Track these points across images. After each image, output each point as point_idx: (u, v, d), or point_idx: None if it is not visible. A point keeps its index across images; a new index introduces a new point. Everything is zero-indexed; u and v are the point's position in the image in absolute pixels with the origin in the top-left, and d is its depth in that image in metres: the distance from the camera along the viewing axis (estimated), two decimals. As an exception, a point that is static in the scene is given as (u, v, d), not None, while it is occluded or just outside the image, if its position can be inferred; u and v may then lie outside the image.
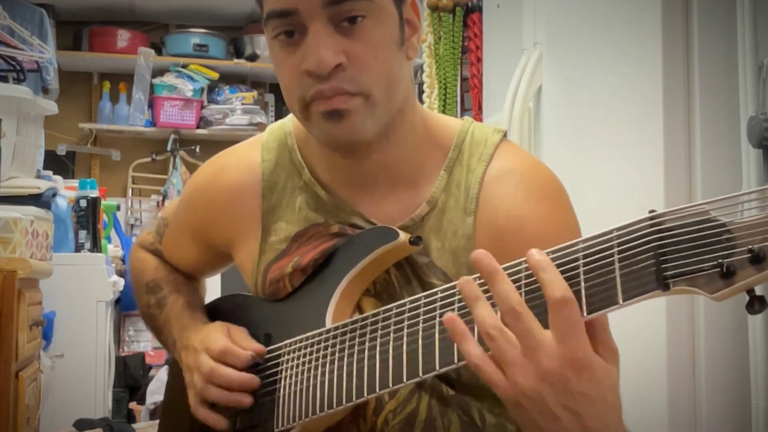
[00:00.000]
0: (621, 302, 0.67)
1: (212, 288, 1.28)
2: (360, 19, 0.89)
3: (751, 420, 1.54)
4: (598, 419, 0.69)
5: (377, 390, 0.84)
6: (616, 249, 0.68)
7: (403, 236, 0.92)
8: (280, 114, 4.58)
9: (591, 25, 1.98)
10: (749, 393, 1.54)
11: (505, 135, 1.02)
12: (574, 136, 2.04)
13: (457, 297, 0.79)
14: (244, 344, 0.98)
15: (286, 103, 0.97)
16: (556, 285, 0.67)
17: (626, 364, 1.72)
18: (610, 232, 0.69)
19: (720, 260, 0.62)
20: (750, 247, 0.61)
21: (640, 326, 1.62)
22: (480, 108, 2.67)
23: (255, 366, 0.98)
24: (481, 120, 2.62)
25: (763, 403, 1.50)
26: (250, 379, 0.96)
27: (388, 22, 0.92)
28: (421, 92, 2.98)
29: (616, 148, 1.84)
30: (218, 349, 0.97)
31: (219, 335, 1.00)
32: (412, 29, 0.97)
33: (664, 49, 1.68)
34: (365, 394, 0.86)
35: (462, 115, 2.86)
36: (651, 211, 0.68)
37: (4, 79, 2.50)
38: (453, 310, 0.79)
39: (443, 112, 2.80)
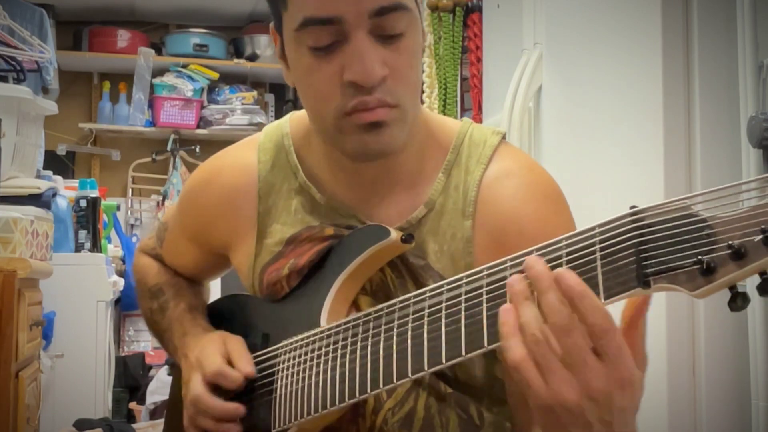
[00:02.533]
0: (603, 301, 0.66)
1: (212, 289, 1.27)
2: (399, 30, 0.88)
3: (751, 420, 1.54)
4: (625, 427, 0.68)
5: (368, 390, 0.85)
6: (598, 246, 0.68)
7: (395, 234, 0.92)
8: (280, 114, 4.58)
9: (591, 25, 1.98)
10: (749, 393, 1.54)
11: (503, 137, 1.01)
12: (574, 136, 2.04)
13: (444, 296, 0.79)
14: (238, 363, 0.97)
15: (311, 110, 0.94)
16: (599, 313, 0.65)
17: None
18: (593, 228, 0.69)
19: (700, 257, 0.61)
20: (730, 242, 0.60)
21: (640, 326, 1.61)
22: (480, 108, 2.67)
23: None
24: (481, 120, 2.62)
25: (763, 403, 1.50)
26: (235, 409, 0.96)
27: (419, 31, 0.92)
28: (421, 92, 2.98)
29: (616, 147, 1.84)
30: (211, 372, 0.97)
31: (214, 353, 0.99)
32: (423, 34, 0.97)
33: (664, 49, 1.68)
34: (357, 395, 0.86)
35: (462, 115, 2.86)
36: (632, 207, 0.67)
37: (4, 79, 2.50)
38: (440, 309, 0.79)
39: (443, 112, 2.80)
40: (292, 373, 0.94)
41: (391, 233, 0.92)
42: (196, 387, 0.97)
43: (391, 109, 0.88)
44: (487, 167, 0.98)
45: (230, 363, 0.98)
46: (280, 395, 0.95)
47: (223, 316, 1.10)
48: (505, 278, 0.73)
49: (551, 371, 0.67)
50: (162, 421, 1.25)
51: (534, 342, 0.67)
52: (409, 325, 0.82)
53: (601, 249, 0.67)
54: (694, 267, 0.62)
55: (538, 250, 0.71)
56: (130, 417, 3.60)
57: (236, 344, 1.01)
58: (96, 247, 3.18)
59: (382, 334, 0.85)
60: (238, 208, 1.06)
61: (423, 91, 2.93)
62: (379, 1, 0.85)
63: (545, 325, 0.67)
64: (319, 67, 0.89)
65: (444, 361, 0.77)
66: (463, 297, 0.78)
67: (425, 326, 0.80)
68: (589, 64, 1.97)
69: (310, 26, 0.87)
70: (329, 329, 0.92)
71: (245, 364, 0.97)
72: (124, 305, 4.11)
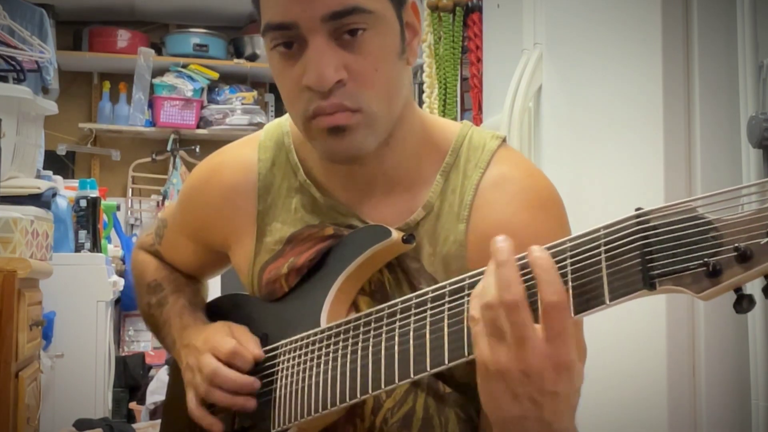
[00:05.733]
0: (608, 302, 0.67)
1: (212, 288, 1.28)
2: (361, 32, 0.88)
3: (751, 420, 1.54)
4: (556, 415, 0.70)
5: (369, 391, 0.85)
6: (603, 248, 0.68)
7: (396, 234, 0.92)
8: (280, 114, 4.55)
9: (591, 25, 1.98)
10: (749, 393, 1.54)
11: (503, 141, 1.01)
12: (574, 136, 2.04)
13: (447, 298, 0.80)
14: (248, 346, 0.99)
15: (288, 111, 0.96)
16: (553, 288, 0.67)
17: (626, 364, 1.72)
18: (598, 230, 0.69)
19: (706, 259, 0.62)
20: (736, 245, 0.61)
21: (640, 326, 1.62)
22: (480, 108, 2.67)
23: (254, 367, 0.98)
24: (480, 120, 2.62)
25: (763, 403, 1.50)
26: (253, 382, 0.96)
27: (390, 33, 0.91)
28: (421, 92, 2.98)
29: (616, 148, 1.84)
30: (227, 350, 0.97)
31: (225, 336, 1.00)
32: (413, 33, 0.96)
33: (664, 49, 1.68)
34: (358, 395, 0.86)
35: (462, 115, 2.86)
36: (637, 209, 0.67)
37: (4, 79, 2.50)
38: (443, 311, 0.80)
39: (443, 112, 2.80)
40: (292, 374, 0.94)
41: (392, 233, 0.92)
42: (211, 362, 0.97)
43: (352, 113, 0.88)
44: (485, 171, 0.97)
45: None
46: (280, 395, 0.95)
47: (221, 315, 1.10)
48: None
49: (495, 336, 0.69)
50: (162, 421, 1.25)
51: (485, 306, 0.70)
52: (412, 326, 0.82)
53: (606, 251, 0.68)
54: (700, 269, 0.62)
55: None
56: (130, 417, 3.60)
57: (242, 331, 1.02)
58: (96, 247, 3.18)
59: (384, 335, 0.85)
60: (238, 206, 1.06)
61: (423, 92, 2.93)
62: (331, 6, 0.86)
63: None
64: (284, 72, 0.91)
65: (447, 361, 0.77)
66: (467, 299, 0.78)
67: (427, 327, 0.80)
68: (589, 64, 1.97)
69: (270, 31, 0.89)
70: (329, 329, 0.92)
71: (254, 347, 0.98)
72: (124, 305, 4.11)
